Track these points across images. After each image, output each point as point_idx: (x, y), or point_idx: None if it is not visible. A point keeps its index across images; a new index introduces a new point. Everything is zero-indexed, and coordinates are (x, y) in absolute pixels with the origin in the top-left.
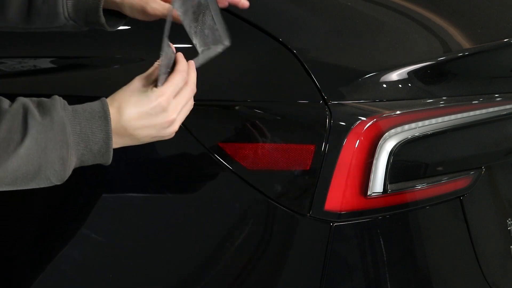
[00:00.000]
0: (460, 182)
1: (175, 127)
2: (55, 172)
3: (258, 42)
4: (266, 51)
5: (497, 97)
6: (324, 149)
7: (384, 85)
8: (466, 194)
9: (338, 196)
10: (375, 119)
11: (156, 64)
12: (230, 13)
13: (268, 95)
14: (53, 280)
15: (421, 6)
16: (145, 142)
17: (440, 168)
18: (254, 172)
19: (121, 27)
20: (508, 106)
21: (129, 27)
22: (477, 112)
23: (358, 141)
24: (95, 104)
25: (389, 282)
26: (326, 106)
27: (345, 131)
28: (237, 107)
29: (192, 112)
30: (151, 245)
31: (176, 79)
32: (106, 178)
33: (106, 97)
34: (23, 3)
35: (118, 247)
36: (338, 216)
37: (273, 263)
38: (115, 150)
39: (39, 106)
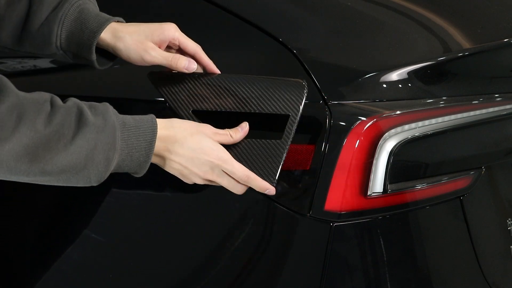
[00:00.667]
0: (460, 182)
1: (200, 182)
2: (98, 173)
3: (258, 42)
4: (266, 51)
5: (497, 97)
6: (324, 149)
7: (384, 85)
8: (466, 194)
9: (338, 196)
10: (375, 119)
11: (229, 132)
12: (230, 13)
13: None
14: (54, 280)
15: (421, 6)
16: (170, 172)
17: (440, 168)
18: None
19: None
20: (508, 106)
21: None
22: (477, 112)
23: (358, 141)
24: (145, 116)
25: (389, 282)
26: (326, 106)
27: (345, 131)
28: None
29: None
30: (151, 245)
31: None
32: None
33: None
34: (16, 27)
35: (118, 247)
36: (338, 216)
37: (273, 263)
38: None
39: (91, 108)
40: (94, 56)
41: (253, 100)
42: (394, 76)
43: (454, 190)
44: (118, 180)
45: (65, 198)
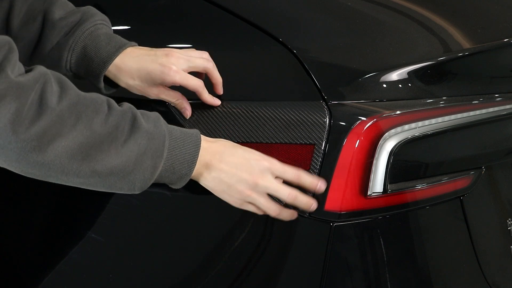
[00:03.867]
0: (460, 182)
1: (245, 193)
2: (143, 179)
3: (258, 42)
4: (266, 51)
5: (497, 97)
6: (324, 149)
7: (384, 85)
8: (466, 194)
9: (338, 196)
10: (375, 119)
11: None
12: (230, 13)
13: (268, 95)
14: (53, 280)
15: (421, 6)
16: (208, 185)
17: (440, 168)
18: None
19: (120, 27)
20: (508, 106)
21: (129, 27)
22: (477, 112)
23: (358, 141)
24: (190, 130)
25: (389, 282)
26: (326, 106)
27: (345, 131)
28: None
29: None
30: (151, 245)
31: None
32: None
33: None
34: (28, 48)
35: (118, 247)
36: (338, 216)
37: (273, 263)
38: None
39: (144, 115)
40: (102, 85)
41: (274, 131)
42: (394, 76)
43: (454, 190)
44: None
45: (65, 198)
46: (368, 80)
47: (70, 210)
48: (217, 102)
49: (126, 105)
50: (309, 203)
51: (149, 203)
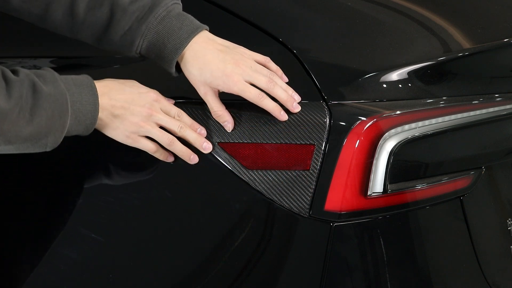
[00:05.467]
0: (460, 182)
1: (141, 125)
2: (54, 139)
3: (258, 42)
4: (266, 51)
5: (497, 97)
6: (324, 149)
7: (384, 85)
8: (466, 194)
9: (338, 196)
10: (375, 119)
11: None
12: (230, 13)
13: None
14: (53, 280)
15: (421, 6)
16: (110, 127)
17: (440, 168)
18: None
19: None
20: (508, 106)
21: None
22: (477, 112)
23: (358, 141)
24: (81, 78)
25: (389, 282)
26: (326, 106)
27: (345, 131)
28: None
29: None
30: (150, 245)
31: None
32: (106, 178)
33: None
34: (96, 32)
35: (118, 247)
36: (338, 216)
37: (273, 263)
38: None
39: (40, 77)
40: (173, 70)
41: (274, 131)
42: (394, 76)
43: (454, 190)
44: (118, 180)
45: (65, 198)
46: (368, 80)
47: (70, 210)
48: (280, 115)
49: (22, 72)
50: (199, 139)
51: (149, 203)
